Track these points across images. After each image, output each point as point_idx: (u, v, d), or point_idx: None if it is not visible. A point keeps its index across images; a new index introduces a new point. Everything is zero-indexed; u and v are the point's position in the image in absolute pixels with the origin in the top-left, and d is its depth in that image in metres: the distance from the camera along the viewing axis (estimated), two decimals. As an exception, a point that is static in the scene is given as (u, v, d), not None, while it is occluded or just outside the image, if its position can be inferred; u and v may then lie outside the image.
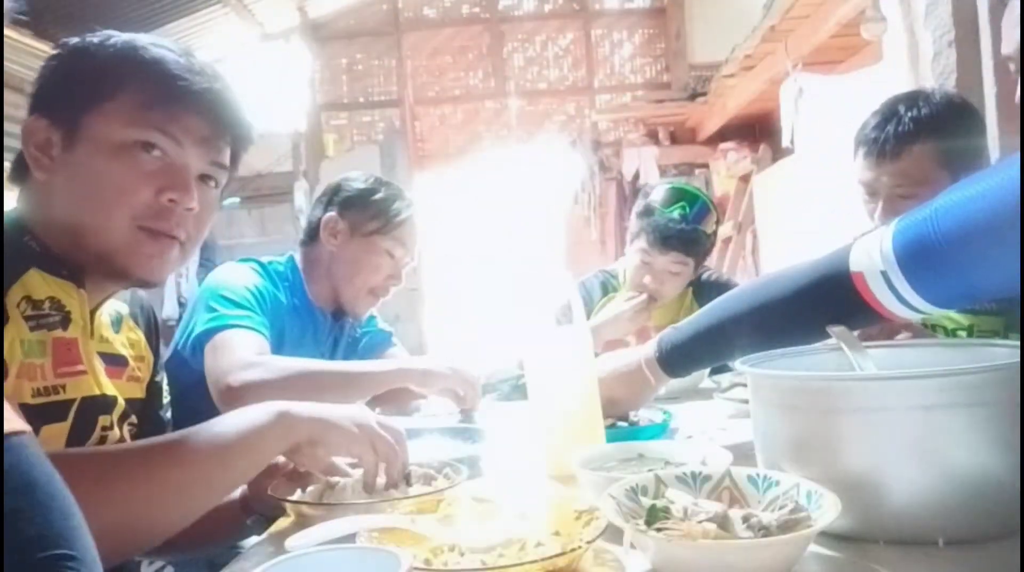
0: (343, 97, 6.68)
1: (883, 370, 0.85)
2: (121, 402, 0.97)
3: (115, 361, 1.00)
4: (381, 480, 0.90)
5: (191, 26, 5.41)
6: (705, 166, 6.08)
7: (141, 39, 0.93)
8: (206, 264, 5.07)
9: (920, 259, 0.81)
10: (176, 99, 0.91)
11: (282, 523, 0.90)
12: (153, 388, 1.10)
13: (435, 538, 0.72)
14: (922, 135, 1.41)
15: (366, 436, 0.88)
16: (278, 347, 1.50)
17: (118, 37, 0.93)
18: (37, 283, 0.87)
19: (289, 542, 0.68)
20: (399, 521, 0.74)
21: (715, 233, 2.06)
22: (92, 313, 0.95)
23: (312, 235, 1.66)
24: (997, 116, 2.09)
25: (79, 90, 0.90)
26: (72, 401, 0.89)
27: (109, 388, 0.95)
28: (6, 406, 0.44)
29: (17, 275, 0.86)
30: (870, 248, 0.85)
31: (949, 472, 0.68)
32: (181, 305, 5.19)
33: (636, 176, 5.91)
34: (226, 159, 0.98)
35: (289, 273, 1.63)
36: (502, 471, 1.10)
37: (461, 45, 6.69)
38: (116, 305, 1.04)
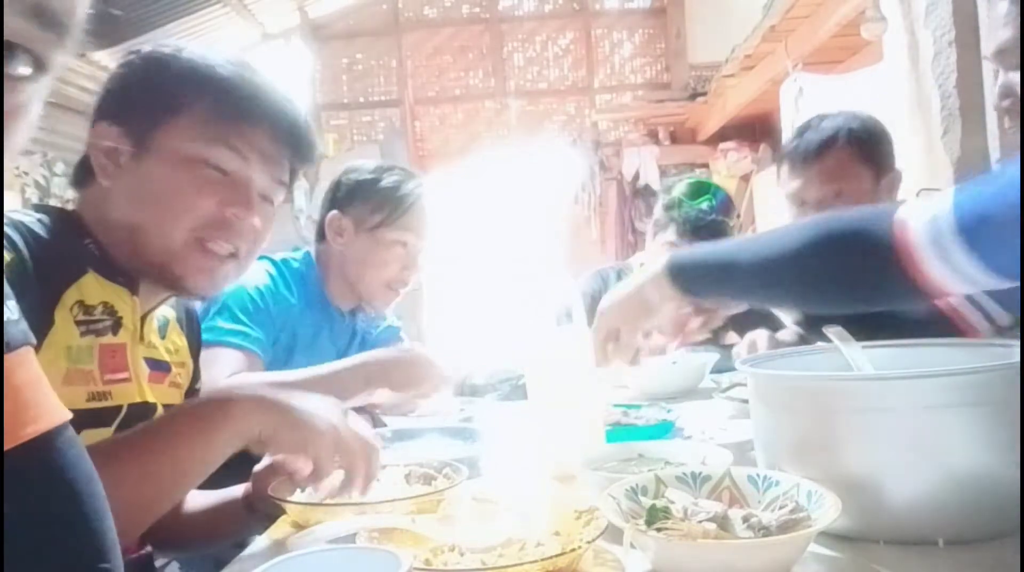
0: (343, 97, 6.68)
1: (882, 370, 0.85)
2: (160, 410, 0.97)
3: (159, 366, 1.00)
4: (330, 486, 0.84)
5: (191, 26, 5.41)
6: (705, 166, 6.07)
7: (214, 55, 0.94)
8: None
9: (988, 226, 0.71)
10: (246, 117, 0.93)
11: (282, 523, 0.90)
12: (191, 395, 1.10)
13: (435, 538, 0.72)
14: (839, 136, 1.53)
15: (328, 440, 0.81)
16: (290, 348, 1.49)
17: (191, 51, 0.94)
18: (92, 287, 0.88)
19: (289, 542, 0.68)
20: (399, 521, 0.74)
21: (734, 227, 2.18)
22: (143, 318, 0.96)
23: (321, 235, 1.63)
24: (997, 116, 2.09)
25: (152, 102, 0.91)
26: (119, 408, 0.89)
27: (151, 395, 0.96)
28: (48, 392, 0.42)
29: (73, 278, 0.86)
30: (921, 212, 0.74)
31: (949, 472, 0.68)
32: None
33: (636, 176, 5.91)
34: (287, 177, 1.00)
35: (304, 269, 1.59)
36: (502, 471, 1.10)
37: (461, 45, 6.69)
38: (165, 310, 1.05)
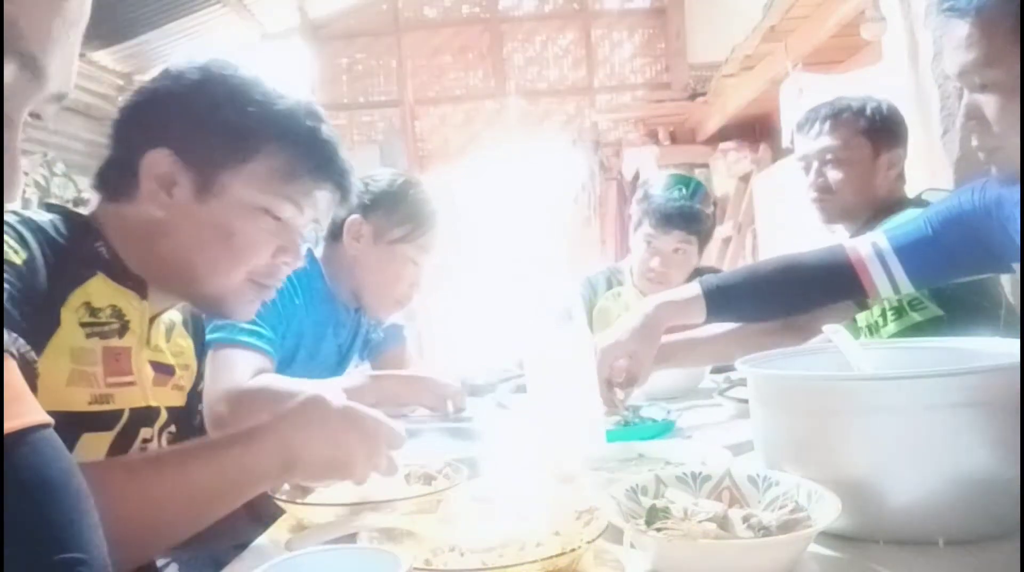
0: (343, 97, 6.67)
1: (882, 370, 0.85)
2: (164, 413, 0.98)
3: (163, 369, 1.00)
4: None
5: (191, 26, 5.41)
6: (705, 166, 6.07)
7: (287, 97, 0.93)
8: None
9: (912, 247, 1.18)
10: (313, 174, 0.94)
11: (282, 523, 0.90)
12: (193, 397, 1.10)
13: (435, 538, 0.72)
14: (846, 110, 1.68)
15: (364, 457, 0.81)
16: (295, 346, 1.49)
17: (262, 85, 0.92)
18: (100, 290, 0.88)
19: (289, 542, 0.68)
20: (399, 521, 0.74)
21: (713, 215, 2.13)
22: (151, 322, 0.96)
23: (335, 234, 1.60)
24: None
25: (223, 143, 0.89)
26: (121, 411, 0.89)
27: (154, 398, 0.96)
28: (27, 396, 0.44)
29: (81, 280, 0.86)
30: (863, 241, 1.23)
31: (949, 472, 0.68)
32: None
33: (636, 176, 5.90)
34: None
35: (307, 267, 1.59)
36: (502, 471, 1.10)
37: (461, 45, 6.68)
38: (171, 313, 1.05)
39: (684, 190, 2.02)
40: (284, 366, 1.44)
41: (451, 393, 1.50)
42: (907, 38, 2.34)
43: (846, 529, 0.70)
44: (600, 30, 6.66)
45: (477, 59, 6.67)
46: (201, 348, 1.14)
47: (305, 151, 0.93)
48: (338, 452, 0.79)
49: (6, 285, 0.74)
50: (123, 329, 0.90)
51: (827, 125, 1.68)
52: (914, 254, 1.18)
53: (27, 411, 0.43)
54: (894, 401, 0.70)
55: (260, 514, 0.97)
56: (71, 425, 0.83)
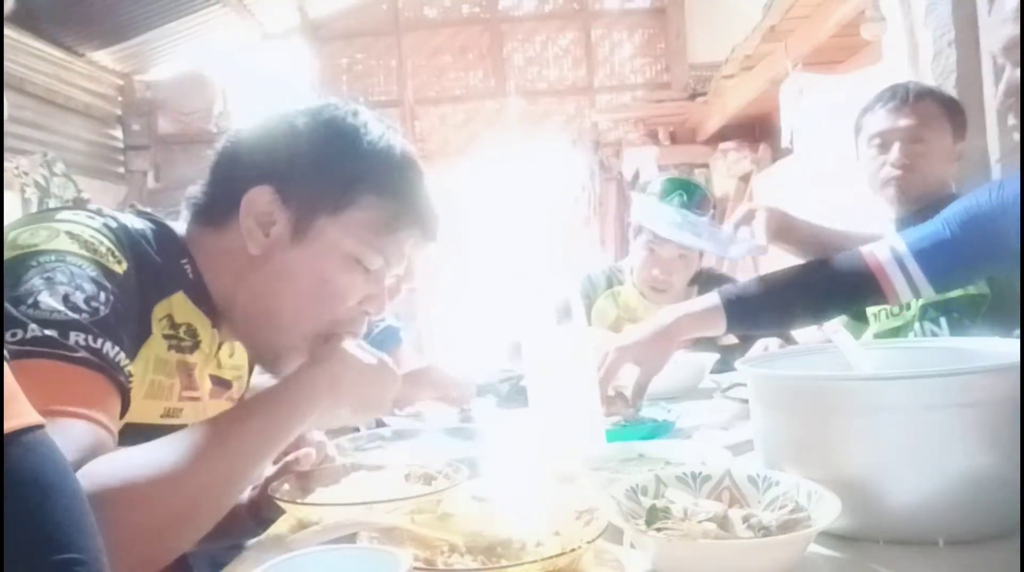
0: (343, 97, 6.67)
1: (882, 370, 0.85)
2: None
3: (222, 384, 1.00)
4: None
5: (191, 26, 5.41)
6: (705, 166, 6.07)
7: (390, 142, 0.92)
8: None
9: (931, 250, 1.16)
10: (406, 226, 0.92)
11: (282, 523, 0.90)
12: None
13: (435, 538, 0.72)
14: (934, 92, 1.70)
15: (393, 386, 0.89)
16: None
17: (370, 128, 0.91)
18: (181, 306, 0.88)
19: (289, 542, 0.68)
20: (399, 521, 0.74)
21: (713, 218, 2.09)
22: (218, 346, 0.97)
23: None
24: (997, 116, 2.09)
25: (323, 188, 0.88)
26: (185, 426, 0.89)
27: (212, 412, 0.95)
28: (21, 398, 0.44)
29: (166, 293, 0.87)
30: (881, 246, 1.21)
31: (949, 472, 0.68)
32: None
33: (636, 176, 5.90)
34: None
35: None
36: (502, 471, 1.10)
37: (461, 45, 6.69)
38: None
39: (684, 196, 2.00)
40: None
41: (458, 385, 1.51)
42: (907, 38, 2.34)
43: (846, 529, 0.70)
44: (600, 30, 6.66)
45: (477, 59, 6.68)
46: (252, 361, 1.14)
47: (404, 205, 0.92)
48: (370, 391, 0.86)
49: (110, 295, 0.74)
50: (194, 346, 0.91)
51: (917, 103, 1.65)
52: (933, 257, 1.17)
53: (20, 412, 0.43)
54: (894, 401, 0.70)
55: (260, 514, 0.97)
56: (146, 439, 0.83)
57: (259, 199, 0.88)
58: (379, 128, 0.93)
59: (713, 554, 0.63)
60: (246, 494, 0.99)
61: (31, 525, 0.41)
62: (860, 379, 0.80)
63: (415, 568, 0.61)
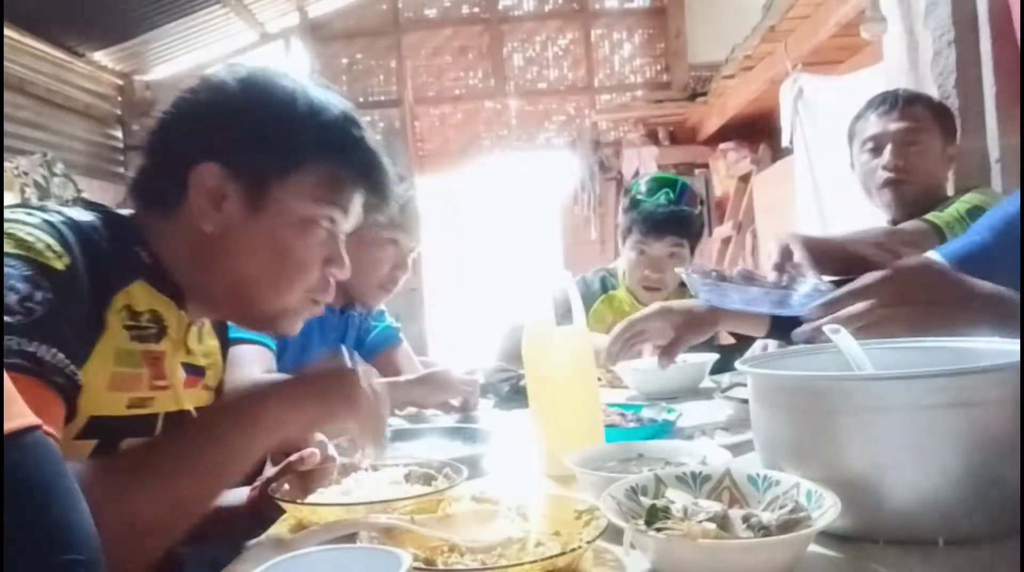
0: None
1: (882, 370, 0.85)
2: (194, 415, 0.98)
3: (195, 371, 1.00)
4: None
5: (191, 26, 5.41)
6: (705, 166, 6.07)
7: (327, 102, 0.92)
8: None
9: (970, 259, 1.10)
10: (360, 179, 0.94)
11: (282, 523, 0.90)
12: (219, 393, 1.10)
13: (435, 538, 0.72)
14: (923, 98, 1.76)
15: (368, 413, 0.88)
16: (282, 346, 1.49)
17: (302, 92, 0.91)
18: (141, 295, 0.88)
19: (289, 542, 0.68)
20: (399, 521, 0.74)
21: (702, 214, 2.12)
22: (187, 328, 0.96)
23: None
24: (997, 116, 2.09)
25: (271, 156, 0.88)
26: (157, 415, 0.90)
27: (186, 402, 0.96)
28: (17, 400, 0.44)
29: (123, 284, 0.86)
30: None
31: (949, 472, 0.68)
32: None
33: (636, 176, 5.91)
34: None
35: None
36: (502, 471, 1.10)
37: (461, 45, 6.69)
38: None
39: (671, 193, 2.00)
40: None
41: (464, 390, 1.51)
42: (907, 38, 2.34)
43: (846, 529, 0.70)
44: (600, 30, 6.67)
45: (477, 59, 6.68)
46: (225, 346, 1.14)
47: (351, 159, 0.93)
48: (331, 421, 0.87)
49: (48, 294, 0.73)
50: (160, 334, 0.90)
51: (907, 108, 1.70)
52: (974, 266, 1.12)
53: (16, 414, 0.43)
54: (894, 401, 0.70)
55: (260, 514, 0.97)
56: (112, 431, 0.84)
57: (207, 176, 0.87)
58: (316, 89, 0.93)
59: (713, 554, 0.63)
60: (246, 494, 0.99)
61: (34, 526, 0.41)
62: (860, 379, 0.80)
63: (415, 568, 0.61)
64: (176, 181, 0.88)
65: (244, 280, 0.90)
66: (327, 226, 0.92)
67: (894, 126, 1.70)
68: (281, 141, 0.89)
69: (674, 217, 1.98)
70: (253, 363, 1.32)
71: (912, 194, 1.64)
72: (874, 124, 1.74)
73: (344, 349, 0.92)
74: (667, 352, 1.29)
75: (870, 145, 1.73)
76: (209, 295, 0.92)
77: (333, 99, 0.94)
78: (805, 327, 0.90)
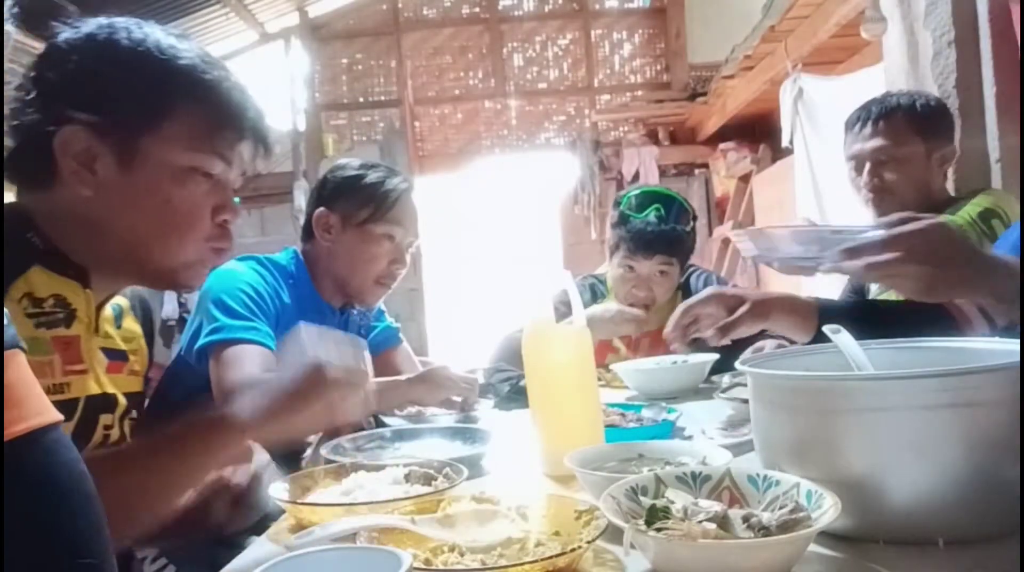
0: (343, 97, 6.68)
1: (882, 370, 0.85)
2: (122, 401, 0.97)
3: (116, 356, 1.00)
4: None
5: (191, 26, 5.41)
6: (705, 166, 6.08)
7: (186, 49, 0.91)
8: (206, 264, 5.04)
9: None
10: (232, 122, 0.92)
11: (282, 523, 0.90)
12: (147, 381, 1.10)
13: (435, 538, 0.72)
14: (900, 109, 1.69)
15: (330, 407, 0.86)
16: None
17: (160, 44, 0.89)
18: (40, 281, 0.86)
19: (289, 542, 0.68)
20: (399, 521, 0.74)
21: (693, 229, 2.00)
22: (98, 309, 0.95)
23: (308, 232, 1.63)
24: (997, 116, 2.09)
25: (133, 108, 0.87)
26: (77, 400, 0.89)
27: (110, 386, 0.95)
28: (37, 394, 0.42)
29: (19, 272, 0.85)
30: None
31: (949, 472, 0.68)
32: (181, 305, 5.18)
33: (636, 176, 5.91)
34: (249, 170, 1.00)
35: (292, 267, 1.59)
36: (502, 471, 1.10)
37: (461, 45, 6.69)
38: (118, 299, 1.04)
39: (661, 210, 1.91)
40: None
41: (463, 388, 1.51)
42: (907, 38, 2.34)
43: (846, 529, 0.70)
44: (600, 30, 6.67)
45: (477, 59, 6.68)
46: (150, 331, 1.13)
47: (219, 102, 0.91)
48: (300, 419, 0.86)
49: None
50: (69, 318, 0.89)
51: (880, 124, 1.69)
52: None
53: (38, 410, 0.41)
54: (894, 401, 0.70)
55: (241, 503, 0.96)
56: None
57: (72, 140, 0.85)
58: (166, 36, 0.91)
59: (713, 554, 0.63)
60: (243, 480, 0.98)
61: (53, 530, 0.40)
62: (860, 379, 0.80)
63: (415, 568, 0.61)
64: (44, 154, 0.86)
65: (136, 239, 0.89)
66: (212, 172, 0.91)
67: (869, 145, 1.70)
68: (136, 92, 0.87)
69: (664, 236, 1.89)
70: (252, 363, 1.32)
71: (894, 210, 1.58)
72: (852, 142, 1.75)
73: (302, 327, 0.91)
74: (724, 330, 1.24)
75: (852, 163, 1.75)
76: (108, 263, 0.91)
77: (184, 44, 0.92)
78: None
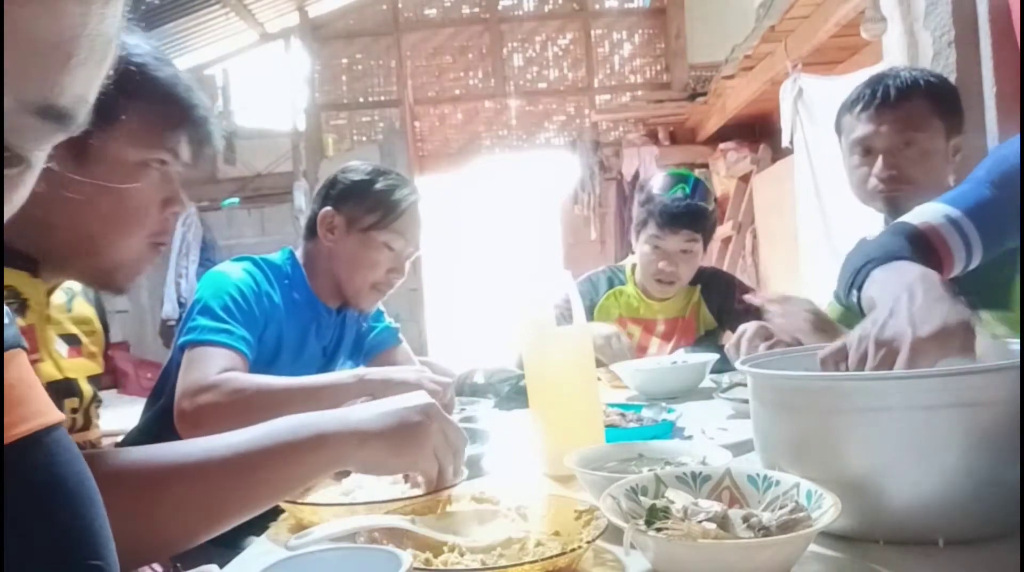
0: (343, 97, 6.68)
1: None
2: (87, 388, 0.98)
3: (71, 341, 1.00)
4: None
5: (191, 26, 5.41)
6: (705, 166, 6.07)
7: (140, 49, 0.91)
8: (206, 264, 5.07)
9: (979, 210, 1.07)
10: (179, 117, 0.94)
11: (282, 523, 0.90)
12: (107, 359, 1.10)
13: (435, 538, 0.72)
14: (919, 85, 1.45)
15: (430, 457, 0.84)
16: (276, 347, 1.49)
17: None
18: None
19: (289, 542, 0.68)
20: (399, 521, 0.74)
21: (714, 211, 2.17)
22: (48, 294, 0.96)
23: (311, 230, 1.62)
24: (997, 116, 2.09)
25: None
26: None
27: (70, 371, 0.96)
28: (38, 394, 0.42)
29: None
30: (931, 212, 1.09)
31: (949, 472, 0.68)
32: (181, 305, 5.19)
33: (636, 176, 5.91)
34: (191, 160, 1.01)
35: (288, 268, 1.59)
36: (502, 471, 1.10)
37: (461, 45, 6.69)
38: (69, 283, 1.04)
39: (686, 188, 2.05)
40: (267, 367, 1.42)
41: (436, 393, 1.47)
42: (907, 38, 2.34)
43: (846, 529, 0.70)
44: (600, 30, 6.67)
45: (477, 59, 6.68)
46: (103, 314, 1.13)
47: (171, 99, 0.93)
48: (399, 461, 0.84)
49: None
50: (22, 308, 0.89)
51: (902, 102, 1.44)
52: (984, 217, 1.06)
53: (40, 411, 0.41)
54: (894, 401, 0.70)
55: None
56: None
57: None
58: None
59: (713, 554, 0.63)
60: None
61: (55, 532, 0.39)
62: (860, 379, 0.80)
63: (415, 568, 0.61)
64: None
65: (89, 236, 0.89)
66: (159, 168, 0.93)
67: (886, 127, 1.43)
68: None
69: (689, 211, 2.02)
70: (214, 365, 1.29)
71: (908, 202, 1.32)
72: (863, 124, 1.47)
73: (427, 365, 0.91)
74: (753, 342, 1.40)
75: (859, 149, 1.48)
76: (56, 257, 0.91)
77: (136, 41, 0.93)
78: None
